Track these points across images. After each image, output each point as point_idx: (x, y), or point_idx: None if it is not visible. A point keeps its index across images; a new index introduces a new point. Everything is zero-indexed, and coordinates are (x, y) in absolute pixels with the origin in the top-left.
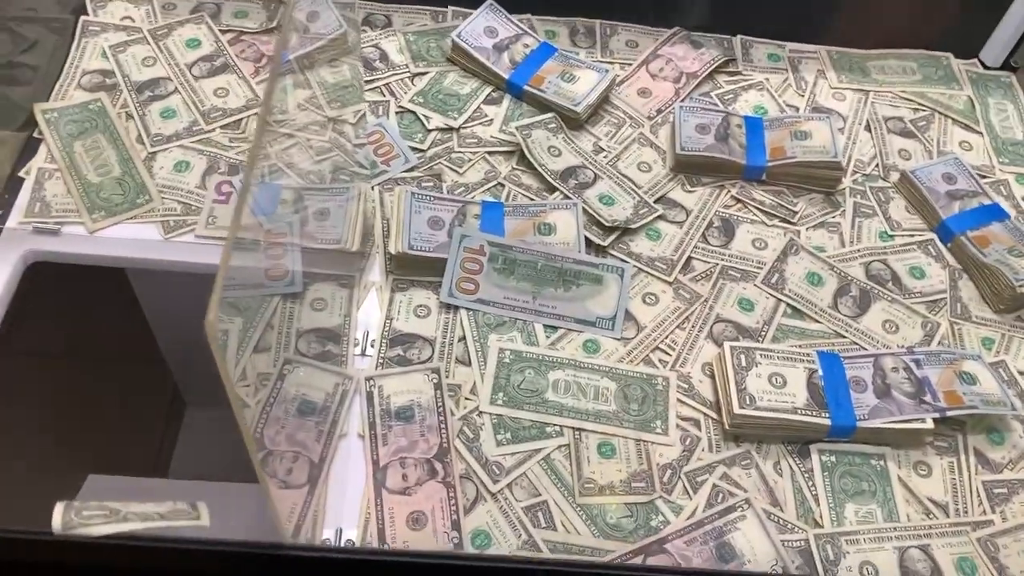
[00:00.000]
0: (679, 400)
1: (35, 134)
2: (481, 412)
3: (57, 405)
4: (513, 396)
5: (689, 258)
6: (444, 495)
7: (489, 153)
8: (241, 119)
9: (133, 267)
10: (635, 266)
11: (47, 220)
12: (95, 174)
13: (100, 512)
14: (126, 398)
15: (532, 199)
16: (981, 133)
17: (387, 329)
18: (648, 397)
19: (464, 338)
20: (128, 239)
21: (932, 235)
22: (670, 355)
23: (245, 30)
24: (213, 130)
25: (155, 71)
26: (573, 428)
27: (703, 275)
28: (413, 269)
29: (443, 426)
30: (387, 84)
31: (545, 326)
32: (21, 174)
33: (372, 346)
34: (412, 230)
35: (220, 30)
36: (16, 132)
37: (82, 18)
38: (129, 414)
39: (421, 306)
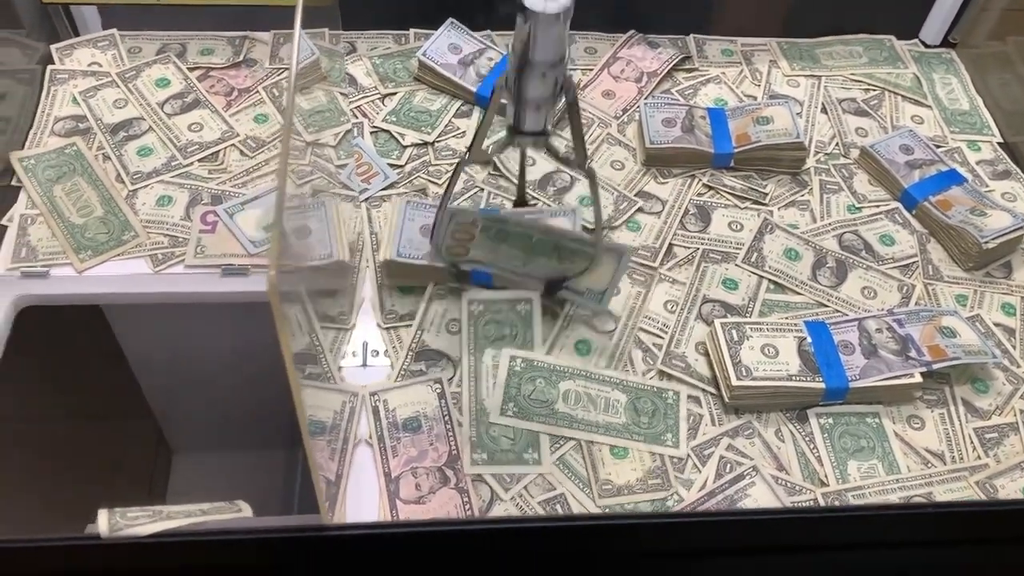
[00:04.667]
0: (680, 379)
1: (13, 182)
2: (492, 423)
3: (43, 458)
4: (524, 407)
5: (670, 245)
6: (459, 500)
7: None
8: (218, 151)
9: (124, 303)
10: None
11: (34, 264)
12: (78, 216)
13: (144, 513)
14: (113, 447)
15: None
16: (930, 107)
17: (415, 342)
18: (659, 410)
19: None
20: (117, 276)
21: (897, 204)
22: (662, 338)
23: (212, 66)
24: (191, 164)
25: (127, 112)
26: (583, 441)
27: (686, 260)
28: (402, 277)
29: (451, 434)
30: (359, 107)
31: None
32: (3, 222)
33: (374, 355)
34: (403, 237)
35: (188, 68)
36: None
37: (49, 67)
38: (117, 464)
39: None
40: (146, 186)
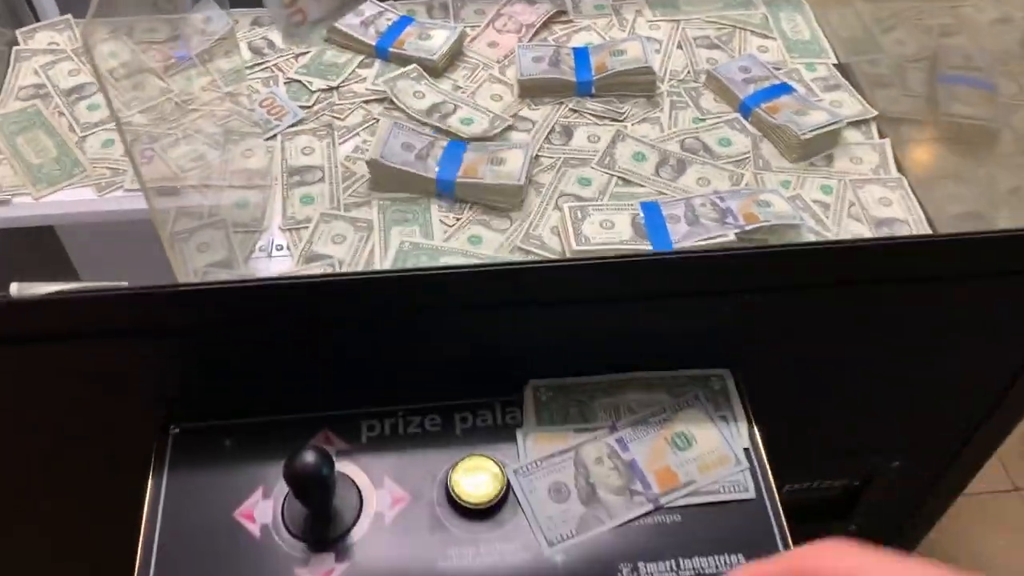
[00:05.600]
0: (535, 253)
1: None
2: None
3: None
4: None
5: (537, 156)
6: None
7: (365, 102)
8: (156, 104)
9: (74, 222)
10: None
11: None
12: (35, 158)
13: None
14: None
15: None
16: (775, 39)
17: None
18: None
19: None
20: (68, 201)
21: (736, 114)
22: (524, 224)
23: (155, 41)
24: (132, 114)
25: (80, 79)
26: None
27: (548, 167)
28: (381, 178)
29: None
30: (276, 64)
31: (442, 222)
32: None
33: (278, 250)
34: (386, 147)
35: (135, 42)
36: None
37: (15, 48)
38: None
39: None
40: (93, 133)
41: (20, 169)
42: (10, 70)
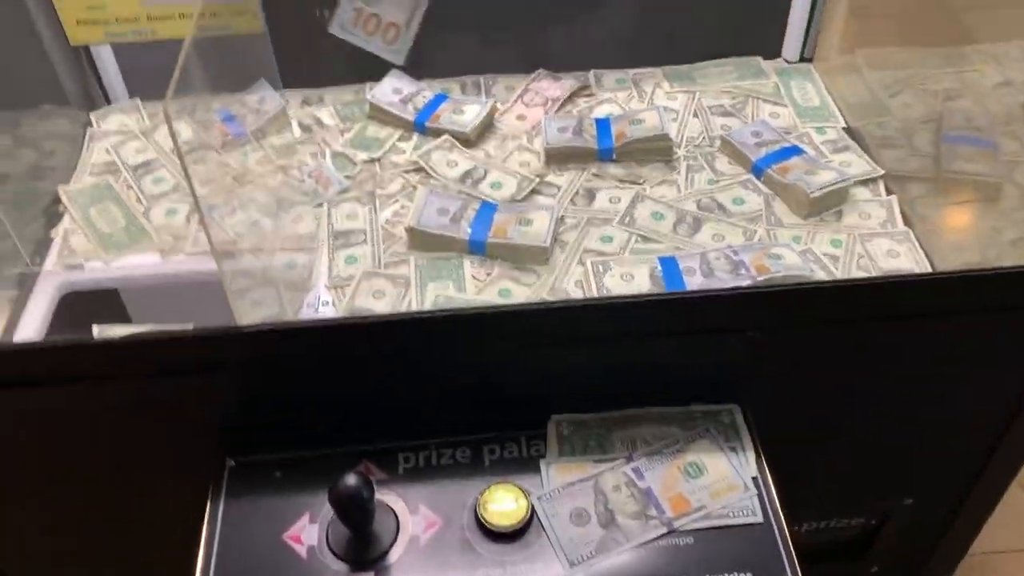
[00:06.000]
0: None
1: (60, 208)
2: None
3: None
4: None
5: (562, 217)
6: None
7: (404, 172)
8: (214, 177)
9: (141, 285)
10: None
11: (73, 260)
12: (106, 227)
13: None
14: None
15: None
16: (786, 106)
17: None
18: None
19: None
20: (136, 264)
21: (749, 175)
22: (550, 278)
23: (213, 121)
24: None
25: (146, 156)
26: None
27: (572, 226)
28: (419, 241)
29: None
30: (323, 139)
31: (474, 278)
32: (52, 235)
33: (324, 304)
34: (423, 214)
35: (195, 122)
36: None
37: (88, 129)
38: None
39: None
40: (158, 204)
41: (92, 237)
42: (84, 149)
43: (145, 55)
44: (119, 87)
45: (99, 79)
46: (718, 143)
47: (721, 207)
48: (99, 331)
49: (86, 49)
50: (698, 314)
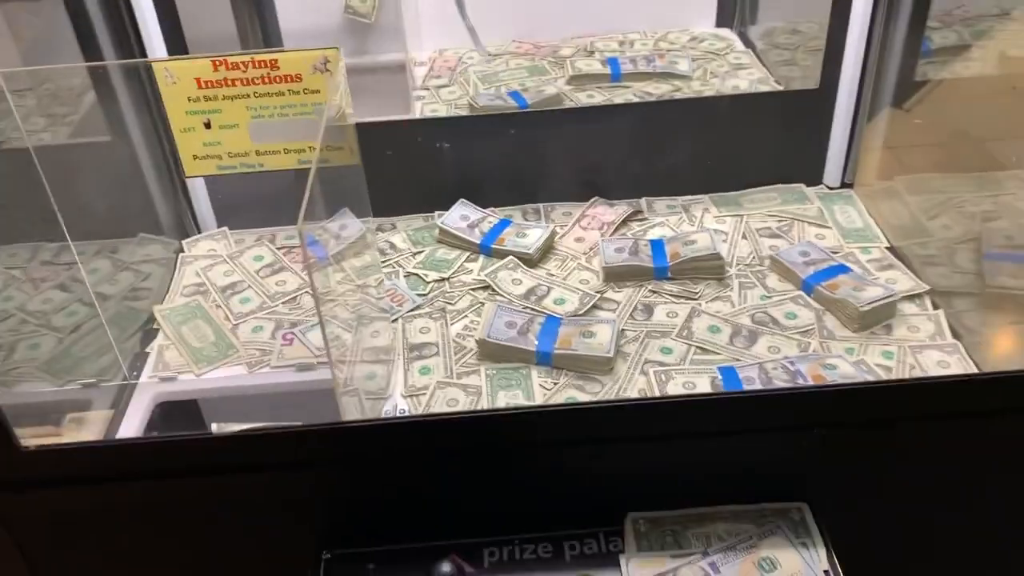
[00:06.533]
0: None
1: (154, 326)
2: None
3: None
4: None
5: (622, 330)
6: None
7: (472, 290)
8: (295, 296)
9: (231, 395)
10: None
11: (167, 373)
12: (197, 342)
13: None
14: None
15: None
16: (830, 227)
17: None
18: None
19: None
20: (224, 376)
21: (799, 292)
22: (614, 387)
23: (293, 246)
24: (276, 305)
25: (233, 278)
26: None
27: (633, 339)
28: (488, 352)
29: None
30: (397, 261)
31: (541, 386)
32: (147, 350)
33: (401, 412)
34: (492, 327)
35: (277, 247)
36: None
37: (180, 255)
38: None
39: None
40: (245, 321)
41: (184, 352)
42: (176, 272)
43: (230, 190)
44: (209, 217)
45: (191, 210)
46: (768, 262)
47: (775, 321)
48: (218, 428)
49: (182, 183)
50: (764, 412)
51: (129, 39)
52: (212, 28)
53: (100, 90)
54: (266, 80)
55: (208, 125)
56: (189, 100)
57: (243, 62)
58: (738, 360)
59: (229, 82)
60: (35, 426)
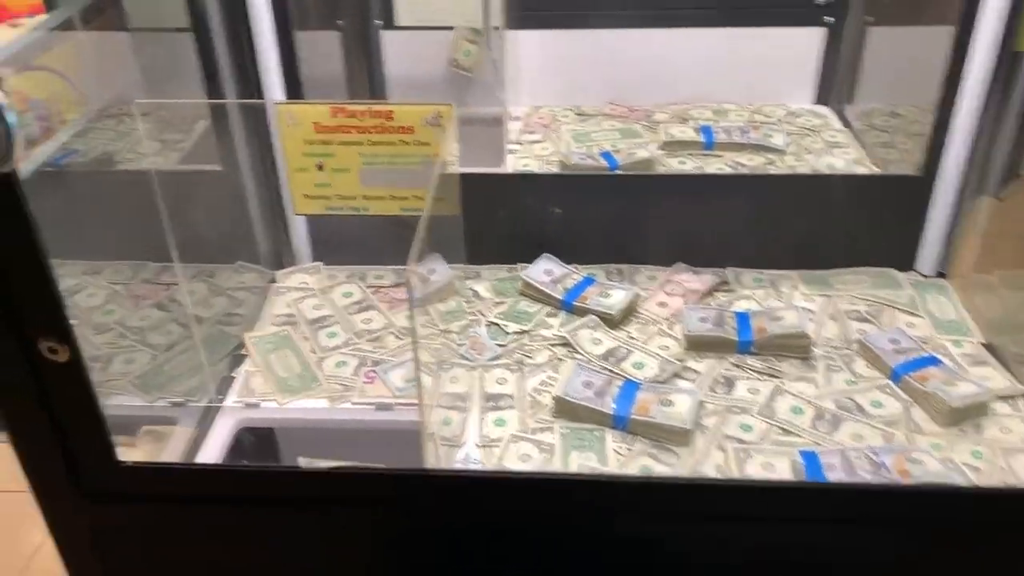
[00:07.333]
0: None
1: (243, 352)
2: None
3: None
4: None
5: (701, 402)
6: None
7: (551, 345)
8: (379, 335)
9: (311, 427)
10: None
11: (251, 399)
12: (283, 372)
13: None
14: None
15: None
16: (922, 316)
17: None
18: None
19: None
20: (305, 408)
21: (887, 380)
22: (690, 460)
23: (382, 286)
24: (362, 342)
25: (322, 312)
26: None
27: (712, 412)
28: (564, 410)
29: None
30: (479, 310)
31: (615, 451)
32: (233, 374)
33: (474, 463)
34: (570, 385)
35: (367, 286)
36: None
37: (274, 284)
38: None
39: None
40: (330, 356)
41: (270, 380)
42: (268, 301)
43: (326, 226)
44: (304, 250)
45: (289, 242)
46: (855, 346)
47: (860, 408)
48: (306, 462)
49: (283, 216)
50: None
51: (247, 72)
52: (323, 70)
53: (217, 121)
54: (380, 130)
55: (321, 167)
56: (306, 142)
57: (360, 111)
58: (819, 445)
59: (345, 129)
60: (122, 435)
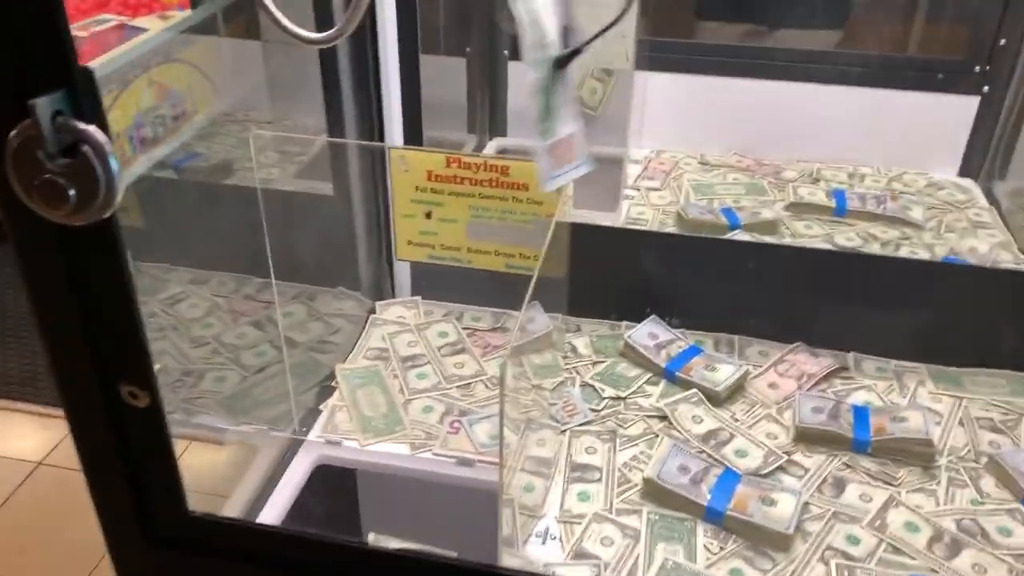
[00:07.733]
0: None
1: (332, 384)
2: None
3: None
4: None
5: (806, 503)
6: None
7: (648, 416)
8: (471, 382)
9: (389, 472)
10: None
11: (333, 436)
12: (369, 410)
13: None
14: None
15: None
16: None
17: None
18: None
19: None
20: (386, 452)
21: (1018, 505)
22: (787, 569)
23: (478, 328)
24: (451, 388)
25: (415, 350)
26: None
27: (817, 516)
28: (653, 493)
29: None
30: (575, 367)
31: (706, 548)
32: (320, 407)
33: (552, 539)
34: (664, 467)
35: (463, 328)
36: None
37: (371, 315)
38: None
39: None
40: (417, 398)
41: (355, 417)
42: (364, 332)
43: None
44: (405, 282)
45: (391, 273)
46: (985, 460)
47: (984, 534)
48: (374, 539)
49: (388, 247)
50: None
51: (368, 89)
52: (446, 94)
53: (335, 147)
54: (493, 184)
55: (429, 215)
56: (416, 189)
57: (476, 163)
58: (935, 572)
59: (458, 179)
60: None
